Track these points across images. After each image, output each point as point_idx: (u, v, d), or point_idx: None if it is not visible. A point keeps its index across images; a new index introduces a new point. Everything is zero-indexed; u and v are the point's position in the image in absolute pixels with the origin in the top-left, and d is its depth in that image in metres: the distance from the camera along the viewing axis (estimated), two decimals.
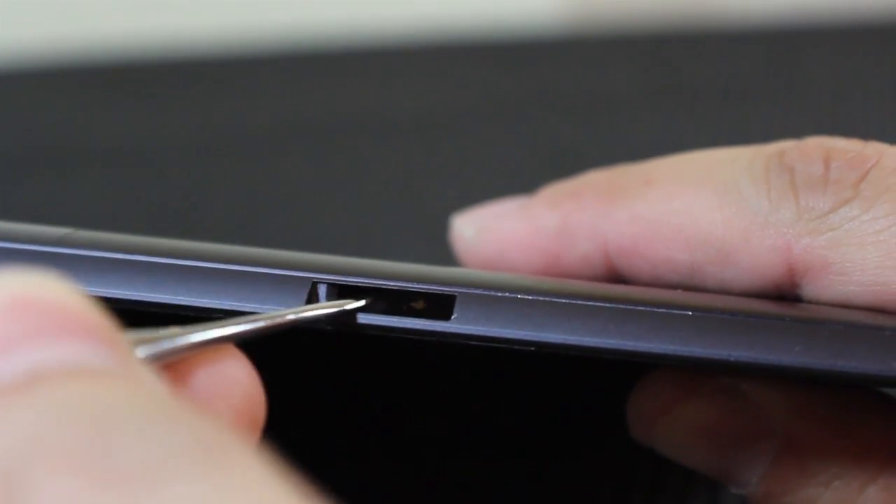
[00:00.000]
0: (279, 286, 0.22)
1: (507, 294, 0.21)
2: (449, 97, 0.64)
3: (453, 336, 0.21)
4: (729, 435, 0.24)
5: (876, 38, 0.67)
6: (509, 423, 0.30)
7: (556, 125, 0.59)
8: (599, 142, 0.56)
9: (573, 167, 0.28)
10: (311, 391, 0.29)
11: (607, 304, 0.21)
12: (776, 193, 0.23)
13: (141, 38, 0.73)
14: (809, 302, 0.24)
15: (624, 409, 0.26)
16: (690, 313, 0.21)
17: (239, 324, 0.20)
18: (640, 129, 0.57)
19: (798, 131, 0.25)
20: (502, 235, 0.27)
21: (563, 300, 0.21)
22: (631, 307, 0.21)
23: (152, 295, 0.22)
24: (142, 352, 0.18)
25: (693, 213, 0.24)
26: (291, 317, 0.21)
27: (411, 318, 0.21)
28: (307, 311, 0.21)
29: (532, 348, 0.21)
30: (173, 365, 0.19)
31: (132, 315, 0.19)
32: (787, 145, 0.24)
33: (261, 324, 0.20)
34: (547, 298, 0.21)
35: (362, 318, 0.22)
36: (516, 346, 0.21)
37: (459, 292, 0.21)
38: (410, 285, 0.21)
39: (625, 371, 0.25)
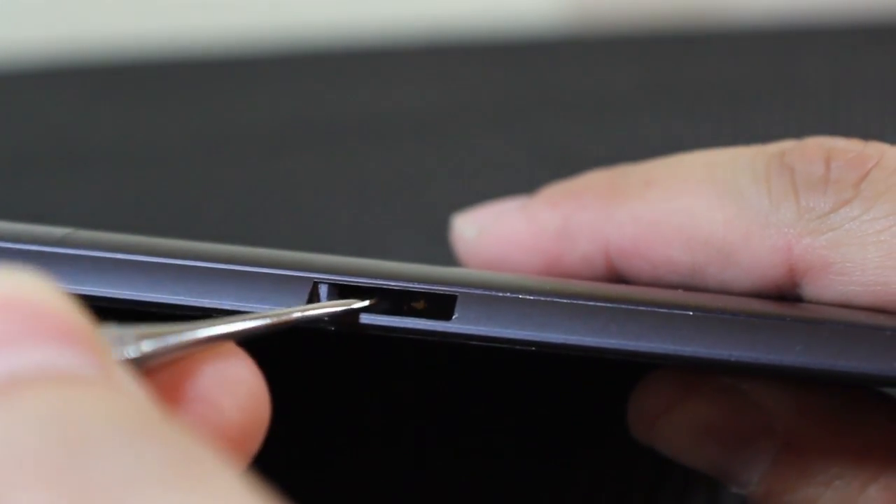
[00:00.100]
0: (280, 286, 0.22)
1: (508, 294, 0.21)
2: (449, 97, 0.64)
3: (454, 336, 0.21)
4: (729, 435, 0.24)
5: (876, 38, 0.67)
6: (510, 422, 0.30)
7: (556, 125, 0.59)
8: (599, 142, 0.56)
9: (573, 167, 0.28)
10: (311, 392, 0.29)
11: (608, 304, 0.21)
12: (777, 193, 0.23)
13: (141, 38, 0.73)
14: (810, 302, 0.24)
15: (624, 408, 0.26)
16: (691, 313, 0.21)
17: (245, 321, 0.20)
18: (640, 129, 0.57)
19: (798, 131, 0.25)
20: (503, 236, 0.27)
21: (564, 300, 0.21)
22: (632, 307, 0.21)
23: (153, 295, 0.22)
24: (147, 346, 0.18)
25: (693, 213, 0.24)
26: (297, 315, 0.21)
27: (412, 318, 0.21)
28: (312, 309, 0.21)
29: (533, 348, 0.21)
30: (178, 362, 0.19)
31: (132, 315, 0.19)
32: (787, 145, 0.24)
33: (267, 321, 0.20)
34: (548, 298, 0.21)
35: (364, 319, 0.22)
36: (517, 346, 0.21)
37: (460, 292, 0.21)
38: (411, 285, 0.21)
39: (626, 371, 0.25)
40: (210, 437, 0.18)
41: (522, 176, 0.52)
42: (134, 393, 0.16)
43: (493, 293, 0.21)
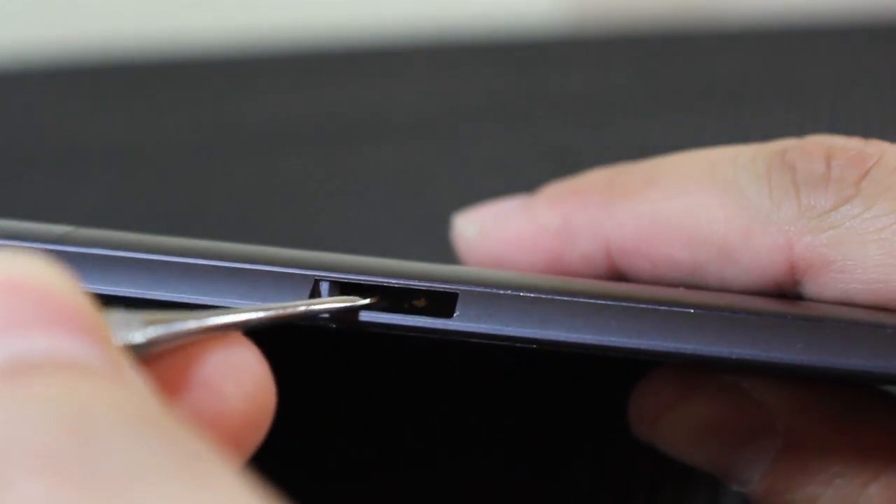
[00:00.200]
0: (281, 283, 0.21)
1: (508, 292, 0.21)
2: (449, 97, 0.64)
3: (455, 334, 0.21)
4: (730, 433, 0.24)
5: (876, 38, 0.67)
6: (511, 420, 0.30)
7: (556, 125, 0.59)
8: (599, 142, 0.56)
9: (573, 167, 0.28)
10: (309, 391, 0.29)
11: (609, 302, 0.21)
12: (777, 192, 0.23)
13: (140, 38, 0.73)
14: (811, 300, 0.24)
15: (626, 406, 0.26)
16: (692, 311, 0.21)
17: (252, 311, 0.20)
18: (640, 129, 0.57)
19: (798, 131, 0.25)
20: (504, 234, 0.27)
21: (565, 298, 0.21)
22: (633, 305, 0.21)
23: (153, 292, 0.22)
24: (153, 332, 0.18)
25: (694, 211, 0.24)
26: (302, 308, 0.21)
27: (413, 316, 0.21)
28: (317, 304, 0.21)
29: (534, 346, 0.21)
30: (184, 348, 0.19)
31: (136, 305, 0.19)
32: (788, 144, 0.24)
33: (272, 313, 0.20)
34: (549, 296, 0.21)
35: (365, 316, 0.22)
36: (518, 344, 0.21)
37: (461, 290, 0.21)
38: (412, 283, 0.21)
39: (627, 369, 0.25)
40: (213, 426, 0.18)
41: (522, 176, 0.52)
42: (137, 385, 0.16)
43: (494, 291, 0.21)
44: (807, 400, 0.24)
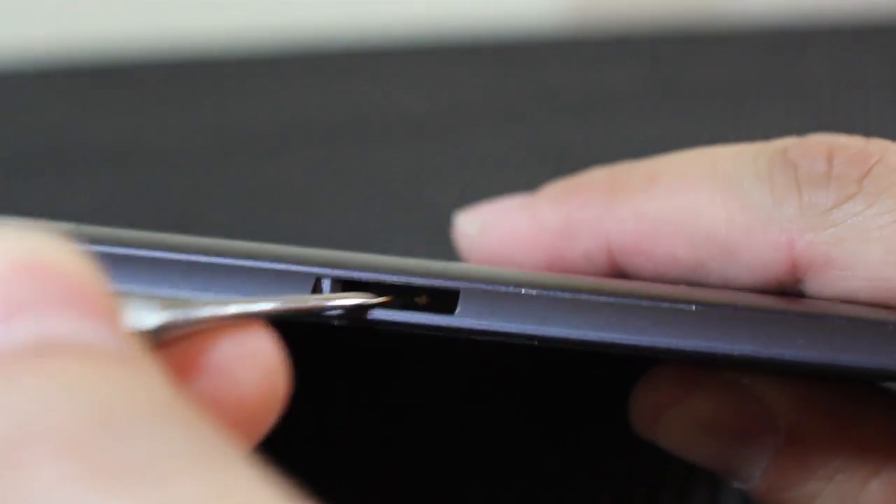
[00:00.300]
0: (282, 280, 0.21)
1: (510, 289, 0.21)
2: (449, 97, 0.64)
3: (457, 331, 0.21)
4: (732, 430, 0.24)
5: (876, 38, 0.67)
6: (511, 418, 0.30)
7: (556, 125, 0.59)
8: (599, 142, 0.56)
9: (573, 167, 0.28)
10: (307, 390, 0.29)
11: (610, 299, 0.21)
12: (779, 190, 0.23)
13: (141, 38, 0.73)
14: (812, 298, 0.24)
15: (627, 404, 0.26)
16: (694, 308, 0.21)
17: (267, 302, 0.20)
18: (640, 129, 0.58)
19: (798, 131, 0.25)
20: (505, 232, 0.27)
21: (567, 295, 0.21)
22: (634, 302, 0.21)
23: (153, 289, 0.22)
24: (168, 317, 0.18)
25: (696, 209, 0.24)
26: (316, 302, 0.21)
27: (414, 313, 0.21)
28: (333, 298, 0.21)
29: (535, 343, 0.21)
30: (198, 334, 0.18)
31: None
32: (790, 142, 0.24)
33: (288, 305, 0.20)
34: (550, 293, 0.21)
35: (368, 314, 0.22)
36: (519, 341, 0.21)
37: (463, 287, 0.21)
38: (414, 280, 0.21)
39: (628, 366, 0.25)
40: (223, 411, 0.18)
41: (522, 175, 0.52)
42: (152, 372, 0.16)
43: (496, 288, 0.21)
44: (808, 397, 0.24)
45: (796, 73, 0.63)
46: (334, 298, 0.21)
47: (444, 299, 0.21)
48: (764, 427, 0.24)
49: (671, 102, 0.60)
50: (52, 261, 0.16)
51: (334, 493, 0.17)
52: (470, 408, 0.30)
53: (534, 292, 0.21)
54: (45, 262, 0.16)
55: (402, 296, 0.22)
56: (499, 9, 0.73)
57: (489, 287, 0.21)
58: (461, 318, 0.21)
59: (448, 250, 0.29)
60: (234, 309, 0.19)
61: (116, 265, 0.22)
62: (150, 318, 0.18)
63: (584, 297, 0.21)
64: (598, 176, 0.26)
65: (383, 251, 0.23)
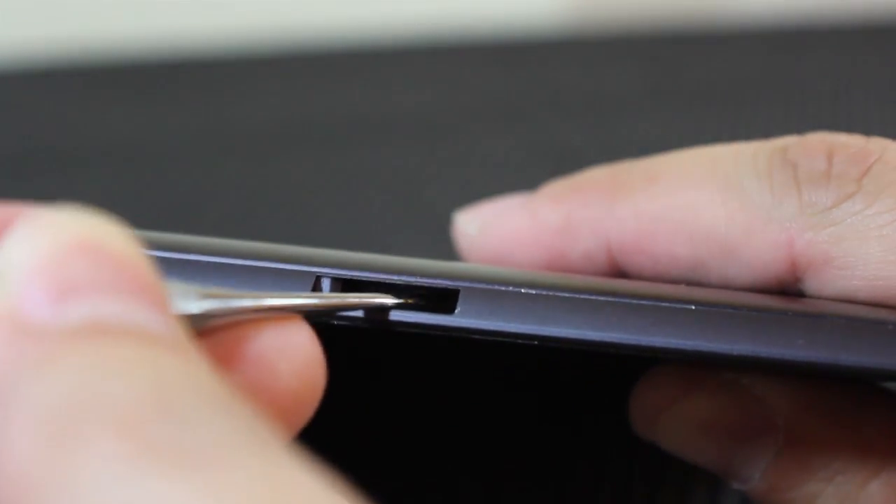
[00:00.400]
0: (282, 280, 0.21)
1: (510, 288, 0.21)
2: (449, 97, 0.64)
3: (456, 330, 0.21)
4: (731, 430, 0.24)
5: (876, 38, 0.67)
6: (511, 418, 0.30)
7: (556, 125, 0.59)
8: (599, 142, 0.56)
9: (573, 167, 0.28)
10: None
11: (610, 299, 0.21)
12: (779, 188, 0.23)
13: (141, 38, 0.73)
14: (812, 297, 0.24)
15: (627, 404, 0.26)
16: (693, 307, 0.21)
17: (307, 297, 0.20)
18: (640, 129, 0.58)
19: (798, 131, 0.25)
20: (505, 232, 0.27)
21: (567, 294, 0.21)
22: (634, 301, 0.21)
23: None
24: (209, 305, 0.18)
25: (696, 208, 0.24)
26: (356, 300, 0.21)
27: (414, 312, 0.21)
28: (374, 297, 0.21)
29: (535, 342, 0.21)
30: (238, 325, 0.19)
31: None
32: (789, 141, 0.24)
33: (329, 301, 0.21)
34: (550, 293, 0.21)
35: (368, 314, 0.21)
36: (519, 341, 0.21)
37: (463, 286, 0.21)
38: (414, 279, 0.21)
39: (628, 366, 0.25)
40: (263, 402, 0.18)
41: (522, 175, 0.52)
42: (199, 359, 0.16)
43: (496, 287, 0.21)
44: (808, 397, 0.24)
45: (796, 73, 0.63)
46: (376, 297, 0.21)
47: (443, 299, 0.21)
48: (764, 427, 0.24)
49: (671, 102, 0.60)
50: (107, 244, 0.16)
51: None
52: (469, 408, 0.30)
53: (534, 292, 0.21)
54: (100, 244, 0.16)
55: (403, 296, 0.22)
56: (499, 9, 0.73)
57: (489, 287, 0.21)
58: (461, 318, 0.21)
59: (448, 250, 0.29)
60: (274, 302, 0.19)
61: None
62: (192, 306, 0.18)
63: (584, 296, 0.21)
64: (597, 175, 0.26)
65: (383, 251, 0.23)
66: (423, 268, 0.22)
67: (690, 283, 0.24)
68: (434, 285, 0.21)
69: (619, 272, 0.26)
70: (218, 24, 0.74)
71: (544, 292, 0.21)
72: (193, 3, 0.77)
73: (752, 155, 0.24)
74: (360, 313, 0.21)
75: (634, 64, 0.66)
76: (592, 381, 0.29)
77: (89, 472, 0.14)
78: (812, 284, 0.23)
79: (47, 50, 0.72)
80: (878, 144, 0.24)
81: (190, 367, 0.15)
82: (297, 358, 0.19)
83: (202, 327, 0.18)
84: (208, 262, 0.22)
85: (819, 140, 0.24)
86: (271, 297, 0.19)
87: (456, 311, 0.21)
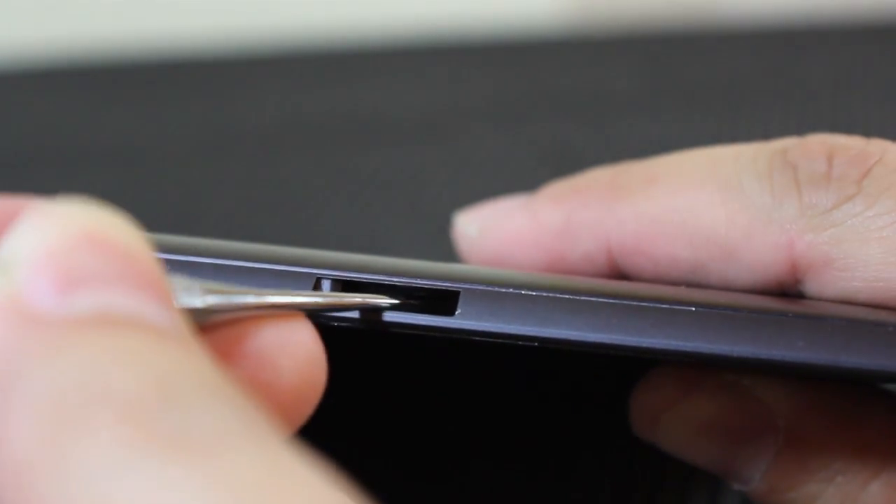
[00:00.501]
0: (283, 281, 0.21)
1: (510, 290, 0.21)
2: (449, 97, 0.64)
3: (457, 332, 0.21)
4: (732, 431, 0.24)
5: (876, 38, 0.67)
6: (511, 418, 0.30)
7: (556, 125, 0.59)
8: (599, 142, 0.56)
9: (573, 167, 0.28)
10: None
11: (611, 300, 0.21)
12: (779, 190, 0.23)
13: (141, 38, 0.73)
14: (812, 298, 0.24)
15: (627, 405, 0.26)
16: (693, 309, 0.21)
17: (310, 296, 0.21)
18: (640, 129, 0.58)
19: (798, 131, 0.25)
20: (505, 233, 0.27)
21: (567, 296, 0.21)
22: (634, 303, 0.21)
23: None
24: (212, 300, 0.18)
25: (696, 209, 0.24)
26: (358, 300, 0.21)
27: (414, 314, 0.21)
28: (375, 299, 0.21)
29: (535, 344, 0.21)
30: (240, 321, 0.19)
31: None
32: (789, 142, 0.24)
33: (330, 300, 0.21)
34: (550, 294, 0.21)
35: (368, 314, 0.22)
36: (519, 342, 0.21)
37: (463, 288, 0.21)
38: (414, 281, 0.21)
39: (628, 367, 0.25)
40: (264, 397, 0.18)
41: (522, 176, 0.52)
42: (201, 352, 0.16)
43: (496, 289, 0.21)
44: (808, 398, 0.24)
45: (796, 73, 0.63)
46: (379, 299, 0.21)
47: (444, 301, 0.21)
48: (764, 428, 0.24)
49: (671, 102, 0.60)
50: (114, 237, 0.16)
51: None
52: (468, 408, 0.30)
53: (534, 293, 0.21)
54: (107, 237, 0.16)
55: (403, 297, 0.22)
56: (499, 9, 0.73)
57: (489, 288, 0.21)
58: (461, 320, 0.21)
59: (448, 251, 0.29)
60: (277, 299, 0.19)
61: None
62: (196, 300, 0.18)
63: (585, 298, 0.21)
64: (597, 176, 0.26)
65: (383, 251, 0.23)
66: (423, 269, 0.22)
67: (691, 284, 0.24)
68: (434, 287, 0.21)
69: (620, 274, 0.26)
70: (218, 24, 0.74)
71: (544, 294, 0.21)
72: (193, 3, 0.77)
73: (753, 156, 0.24)
74: (360, 314, 0.21)
75: (634, 64, 0.66)
76: (593, 382, 0.29)
77: (90, 458, 0.14)
78: (812, 286, 0.23)
79: (47, 50, 0.72)
80: (878, 146, 0.24)
81: (192, 358, 0.16)
82: (298, 355, 0.19)
83: (205, 322, 0.18)
84: (210, 264, 0.22)
85: (819, 142, 0.24)
86: (273, 294, 0.20)
87: (456, 312, 0.21)
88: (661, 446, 0.25)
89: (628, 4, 0.75)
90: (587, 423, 0.30)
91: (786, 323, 0.21)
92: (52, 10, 0.77)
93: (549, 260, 0.26)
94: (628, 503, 0.30)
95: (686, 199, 0.24)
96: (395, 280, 0.21)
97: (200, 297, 0.18)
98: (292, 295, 0.20)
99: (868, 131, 0.25)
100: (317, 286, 0.21)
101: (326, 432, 0.21)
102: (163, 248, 0.22)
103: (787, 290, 0.24)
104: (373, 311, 0.21)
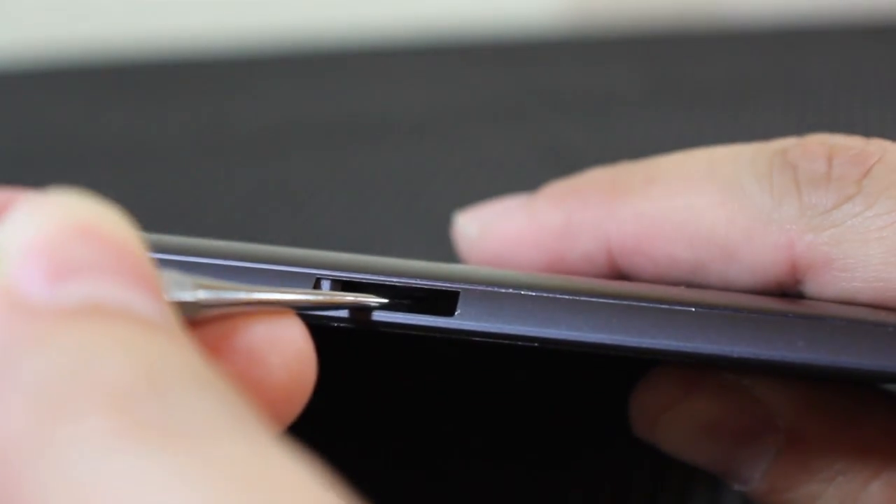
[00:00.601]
0: (282, 282, 0.21)
1: (510, 290, 0.21)
2: (449, 97, 0.64)
3: (456, 332, 0.21)
4: (732, 431, 0.24)
5: (876, 38, 0.67)
6: (511, 419, 0.30)
7: (556, 125, 0.59)
8: (599, 142, 0.56)
9: (573, 167, 0.28)
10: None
11: (611, 301, 0.21)
12: (779, 190, 0.23)
13: (141, 38, 0.73)
14: (812, 299, 0.24)
15: (627, 405, 0.26)
16: (693, 309, 0.21)
17: (301, 293, 0.21)
18: (640, 129, 0.58)
19: (798, 131, 0.25)
20: (505, 233, 0.27)
21: (567, 296, 0.21)
22: (634, 303, 0.21)
23: None
24: (203, 294, 0.18)
25: (696, 210, 0.24)
26: (350, 298, 0.21)
27: (414, 315, 0.21)
28: (366, 298, 0.21)
29: (535, 344, 0.21)
30: (231, 317, 0.19)
31: None
32: (789, 142, 0.24)
33: (321, 298, 0.21)
34: (550, 294, 0.21)
35: (368, 315, 0.22)
36: (519, 343, 0.21)
37: (463, 288, 0.21)
38: (414, 281, 0.21)
39: (628, 368, 0.25)
40: (253, 393, 0.19)
41: (522, 176, 0.52)
42: (189, 345, 0.16)
43: (496, 289, 0.21)
44: (808, 398, 0.24)
45: (796, 73, 0.63)
46: (371, 298, 0.21)
47: (443, 301, 0.21)
48: (764, 428, 0.24)
49: (671, 102, 0.60)
50: (106, 228, 0.16)
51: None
52: (467, 409, 0.30)
53: (534, 294, 0.21)
54: (99, 228, 0.16)
55: (402, 297, 0.22)
56: (499, 9, 0.73)
57: (489, 289, 0.21)
58: (461, 320, 0.21)
59: (448, 251, 0.29)
60: (268, 296, 0.20)
61: None
62: (186, 294, 0.18)
63: (585, 298, 0.21)
64: (597, 177, 0.26)
65: (383, 252, 0.23)
66: (422, 270, 0.22)
67: (690, 284, 0.24)
68: (434, 287, 0.21)
69: (620, 274, 0.26)
70: (218, 24, 0.74)
71: (544, 294, 0.21)
72: (194, 3, 0.77)
73: (752, 157, 0.24)
74: (358, 314, 0.21)
75: (634, 64, 0.66)
76: (592, 382, 0.29)
77: (76, 445, 0.14)
78: (812, 286, 0.23)
79: (47, 50, 0.72)
80: (877, 146, 0.24)
81: (181, 350, 0.16)
82: (288, 352, 0.19)
83: (196, 317, 0.19)
84: (209, 265, 0.22)
85: (819, 142, 0.24)
86: (264, 290, 0.20)
87: (456, 313, 0.21)
88: (660, 446, 0.25)
89: (628, 5, 0.75)
90: (587, 423, 0.30)
91: (786, 323, 0.21)
92: (53, 10, 0.77)
93: (548, 260, 0.26)
94: (628, 503, 0.30)
95: (686, 199, 0.24)
96: (393, 280, 0.21)
97: (191, 291, 0.18)
98: (283, 292, 0.20)
99: (868, 131, 0.25)
100: (316, 286, 0.21)
101: (323, 432, 0.21)
102: (163, 249, 0.22)
103: (787, 290, 0.24)
104: (369, 311, 0.21)
